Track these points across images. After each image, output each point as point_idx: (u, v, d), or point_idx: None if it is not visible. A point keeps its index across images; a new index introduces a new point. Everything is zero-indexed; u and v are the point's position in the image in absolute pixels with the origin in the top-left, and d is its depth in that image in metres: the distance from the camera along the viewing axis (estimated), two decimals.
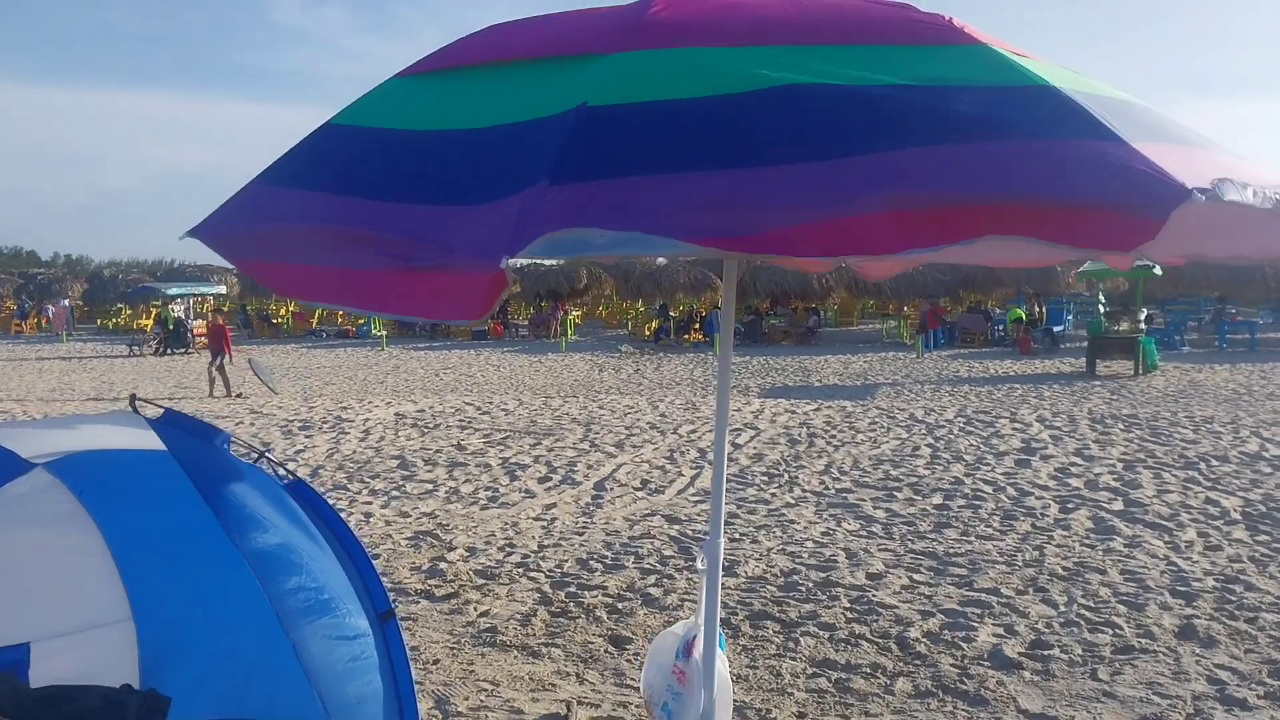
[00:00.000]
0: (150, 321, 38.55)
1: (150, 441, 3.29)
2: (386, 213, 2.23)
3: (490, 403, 16.80)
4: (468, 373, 24.14)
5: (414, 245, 2.11)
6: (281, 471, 3.61)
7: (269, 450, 3.71)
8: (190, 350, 32.70)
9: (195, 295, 38.20)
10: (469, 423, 14.26)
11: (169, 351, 32.45)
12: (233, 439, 3.56)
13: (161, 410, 3.57)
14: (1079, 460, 11.04)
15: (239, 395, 19.05)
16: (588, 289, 43.32)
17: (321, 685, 3.05)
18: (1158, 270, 24.57)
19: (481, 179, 2.15)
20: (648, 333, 35.02)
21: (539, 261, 45.81)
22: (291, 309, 45.44)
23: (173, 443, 3.27)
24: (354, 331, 40.24)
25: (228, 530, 3.12)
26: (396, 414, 15.25)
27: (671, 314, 36.37)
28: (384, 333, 37.95)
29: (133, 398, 3.70)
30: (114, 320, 44.62)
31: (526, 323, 39.55)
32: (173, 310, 35.43)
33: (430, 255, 2.08)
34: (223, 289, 43.13)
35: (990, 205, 1.96)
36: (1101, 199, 1.93)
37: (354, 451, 11.96)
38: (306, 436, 13.08)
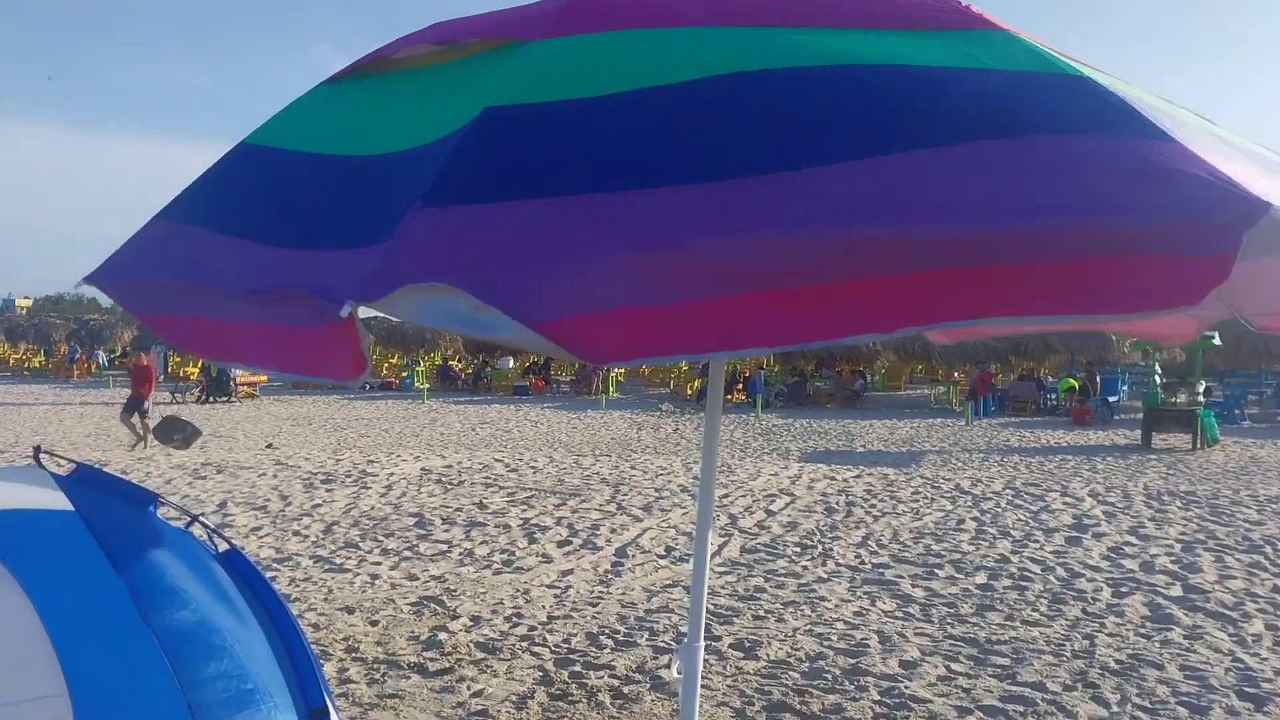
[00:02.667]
0: (195, 369, 38.76)
1: (56, 500, 2.89)
2: (268, 259, 1.83)
3: (520, 459, 16.37)
4: (504, 428, 23.79)
5: (281, 297, 1.71)
6: (216, 539, 3.18)
7: (203, 515, 3.27)
8: (232, 399, 32.71)
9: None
10: (495, 480, 13.83)
11: (211, 399, 32.49)
12: (161, 500, 3.14)
13: (74, 465, 3.17)
14: (1134, 539, 10.37)
15: (142, 445, 18.23)
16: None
17: None
18: (1217, 340, 23.77)
19: (366, 217, 1.75)
20: (690, 392, 34.54)
21: None
22: None
23: (82, 503, 2.87)
24: (397, 384, 40.22)
25: (138, 604, 2.70)
26: (423, 469, 14.87)
27: None
28: (426, 385, 37.84)
29: (36, 449, 3.30)
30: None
31: (568, 379, 39.27)
32: None
33: (291, 309, 1.68)
34: None
35: (993, 261, 1.48)
36: (1151, 219, 1.45)
37: (372, 507, 11.57)
38: (327, 490, 12.72)
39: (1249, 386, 31.82)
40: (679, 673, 2.90)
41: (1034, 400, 30.90)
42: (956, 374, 37.55)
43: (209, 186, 2.28)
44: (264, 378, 38.43)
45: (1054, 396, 30.70)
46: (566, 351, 1.57)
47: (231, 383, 33.42)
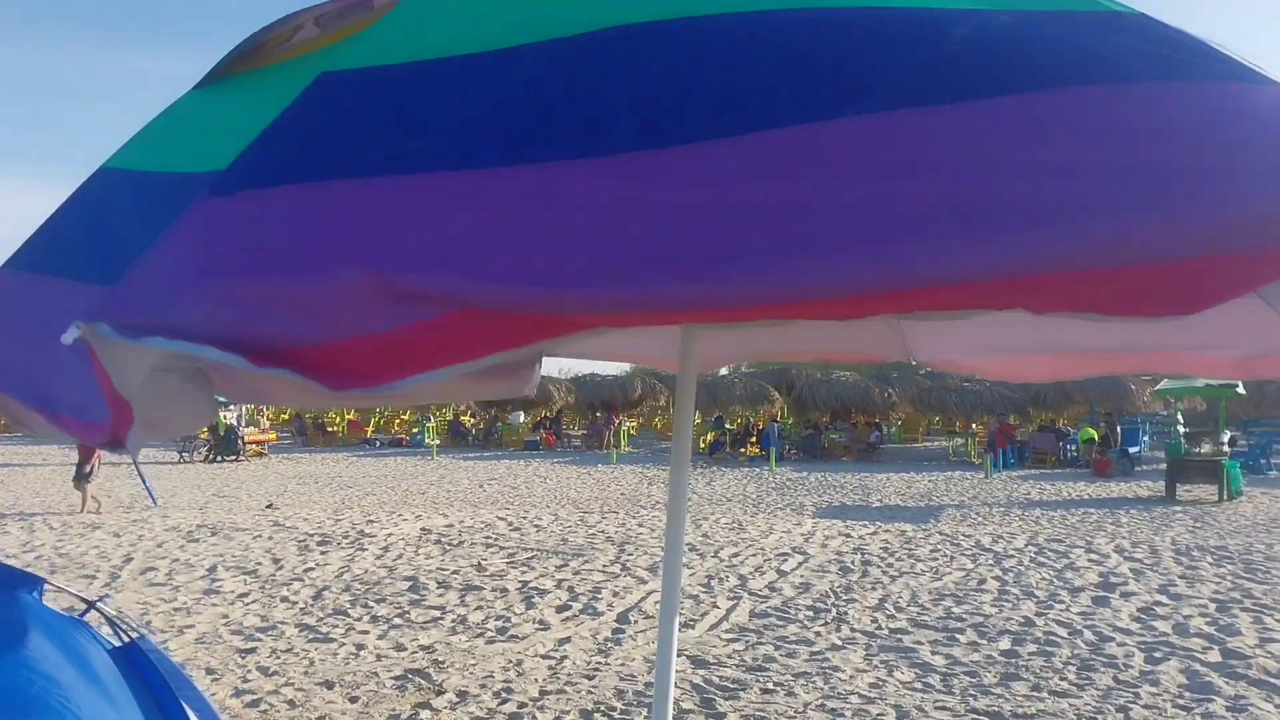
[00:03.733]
0: (204, 429, 38.47)
1: None
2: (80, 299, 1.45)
3: (524, 518, 15.89)
4: (512, 484, 23.31)
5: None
6: (119, 630, 2.74)
7: (104, 599, 2.83)
8: (240, 458, 32.34)
9: (248, 403, 37.99)
10: (495, 540, 13.35)
11: (219, 458, 32.11)
12: (49, 585, 2.72)
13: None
14: (1165, 599, 9.81)
15: (94, 506, 17.28)
16: (642, 399, 42.56)
17: None
18: (1240, 389, 23.21)
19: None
20: (702, 445, 34.01)
21: (595, 372, 45.46)
22: (348, 417, 45.28)
23: None
24: (407, 440, 39.83)
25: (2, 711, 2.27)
26: (422, 529, 14.40)
27: (728, 426, 35.39)
28: (436, 441, 37.45)
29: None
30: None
31: (579, 433, 38.82)
32: (224, 417, 35.23)
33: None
34: None
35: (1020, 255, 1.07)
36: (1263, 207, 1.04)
37: (366, 570, 11.11)
38: (322, 553, 12.27)
39: (1274, 436, 31.08)
40: None
41: (1054, 452, 30.23)
42: (975, 425, 36.92)
43: (57, 222, 1.91)
44: (273, 435, 38.13)
45: (1074, 448, 30.03)
46: (315, 381, 1.18)
47: (240, 441, 33.06)
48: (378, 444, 39.82)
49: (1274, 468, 27.16)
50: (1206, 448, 22.03)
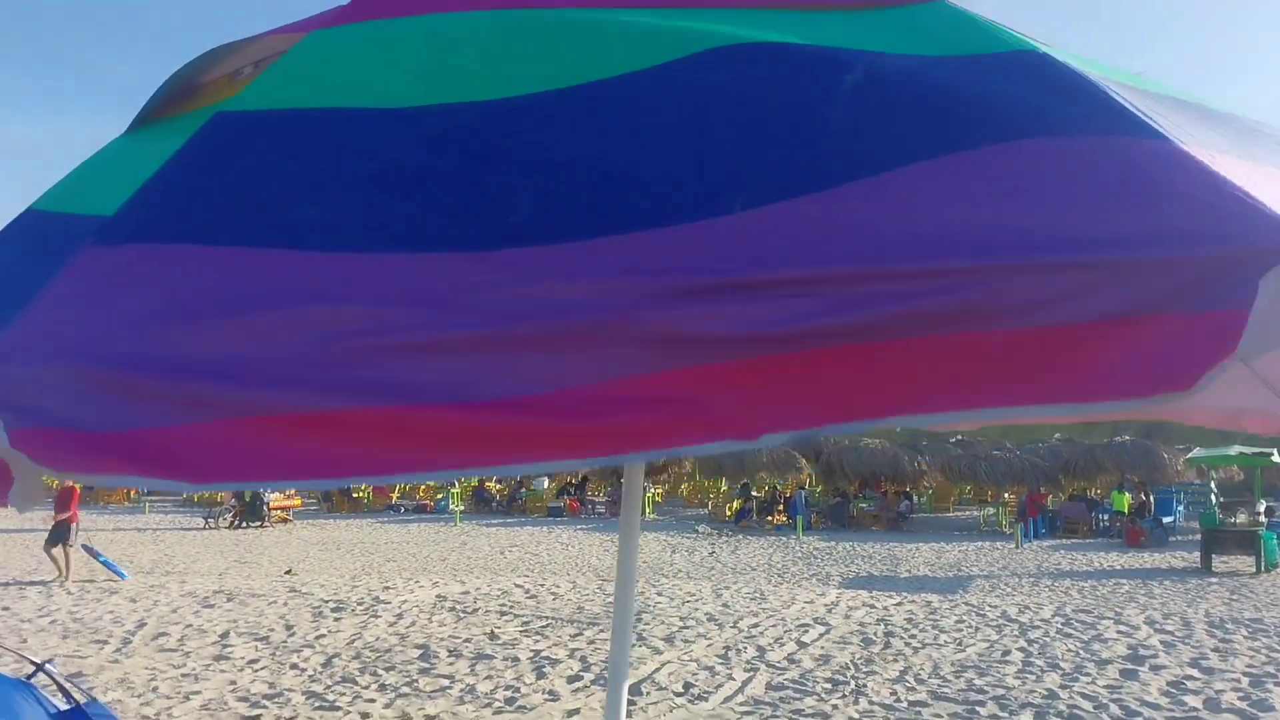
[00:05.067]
0: (229, 495, 38.58)
1: None
2: None
3: (541, 585, 15.71)
4: (534, 551, 23.12)
5: None
6: (67, 693, 2.66)
7: (50, 662, 2.75)
8: (265, 524, 32.33)
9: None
10: (511, 607, 13.18)
11: (244, 525, 32.11)
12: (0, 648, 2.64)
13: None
14: (1196, 673, 9.50)
15: (62, 577, 16.32)
16: (667, 466, 42.29)
17: None
18: (1276, 457, 22.78)
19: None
20: (729, 513, 33.67)
21: None
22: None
23: None
24: (431, 506, 39.70)
25: None
26: (438, 595, 14.26)
27: (754, 494, 35.05)
28: (460, 508, 37.33)
29: None
30: (196, 494, 44.86)
31: (604, 499, 38.58)
32: None
33: None
34: None
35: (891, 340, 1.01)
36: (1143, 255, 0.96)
37: (378, 638, 10.97)
38: (335, 619, 12.14)
39: None
40: None
41: (1086, 521, 29.69)
42: (1006, 495, 36.40)
43: None
44: (299, 502, 38.15)
45: (1106, 517, 29.50)
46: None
47: (265, 507, 33.08)
48: (402, 510, 39.70)
49: None
50: (1242, 518, 21.62)
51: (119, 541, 26.03)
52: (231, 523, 32.40)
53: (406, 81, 1.38)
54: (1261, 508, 22.36)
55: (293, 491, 39.48)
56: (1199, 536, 21.36)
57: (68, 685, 2.68)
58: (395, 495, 42.58)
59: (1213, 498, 23.32)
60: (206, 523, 32.40)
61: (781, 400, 1.07)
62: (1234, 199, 1.00)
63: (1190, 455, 25.69)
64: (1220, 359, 0.93)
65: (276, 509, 33.89)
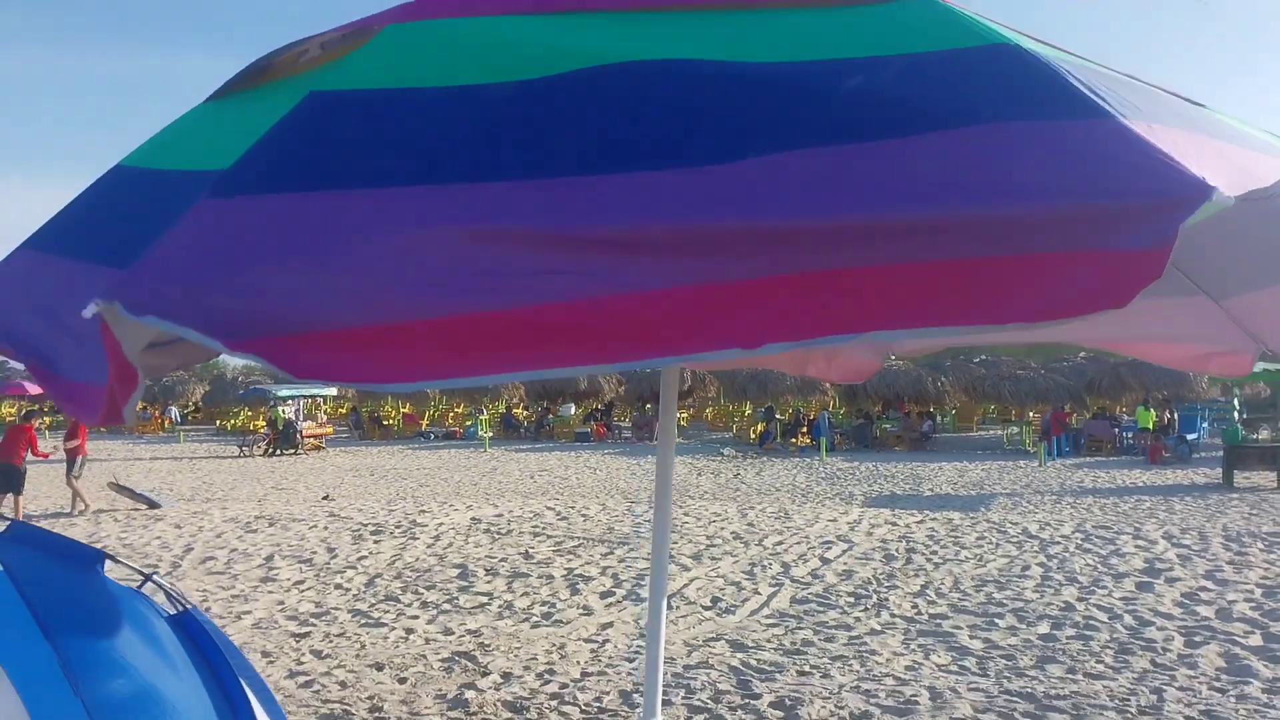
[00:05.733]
0: (262, 422, 39.27)
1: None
2: (95, 280, 1.64)
3: (572, 507, 16.13)
4: (563, 475, 23.59)
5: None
6: (170, 600, 2.96)
7: (156, 574, 3.05)
8: (299, 451, 32.97)
9: (306, 397, 38.71)
10: (543, 529, 13.60)
11: (278, 452, 32.76)
12: (110, 557, 2.94)
13: (8, 523, 2.98)
14: (1210, 585, 9.78)
15: (82, 505, 16.64)
16: (692, 391, 42.69)
17: None
18: None
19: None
20: (753, 436, 34.07)
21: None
22: (404, 410, 45.92)
23: (14, 563, 2.67)
24: (461, 433, 40.32)
25: (67, 673, 2.49)
26: (472, 518, 14.69)
27: (778, 417, 35.39)
28: (489, 434, 37.88)
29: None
30: (232, 422, 45.66)
31: (630, 425, 39.05)
32: (282, 412, 35.93)
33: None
34: (334, 391, 43.74)
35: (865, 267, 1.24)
36: (1072, 206, 1.20)
37: (418, 559, 11.39)
38: (375, 542, 12.58)
39: None
40: None
41: (1110, 439, 29.90)
42: (1030, 414, 36.58)
43: (73, 211, 2.13)
44: (330, 429, 38.82)
45: (1130, 435, 29.67)
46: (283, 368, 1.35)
47: (298, 435, 33.70)
48: (432, 436, 40.35)
49: None
50: (1265, 434, 21.75)
51: (157, 470, 26.70)
52: (266, 450, 33.05)
53: (468, 67, 1.61)
54: None
55: (324, 419, 40.17)
56: (1222, 453, 21.52)
57: (174, 594, 2.98)
58: (425, 423, 43.26)
59: (1235, 414, 23.38)
60: (241, 450, 33.05)
61: (781, 315, 1.30)
62: (1162, 162, 1.22)
63: None
64: (1148, 282, 1.15)
65: (309, 436, 34.51)
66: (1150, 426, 28.43)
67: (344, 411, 47.60)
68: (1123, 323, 2.64)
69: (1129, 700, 6.31)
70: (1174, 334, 2.59)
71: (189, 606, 2.96)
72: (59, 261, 1.91)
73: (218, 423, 48.02)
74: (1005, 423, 37.87)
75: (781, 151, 1.35)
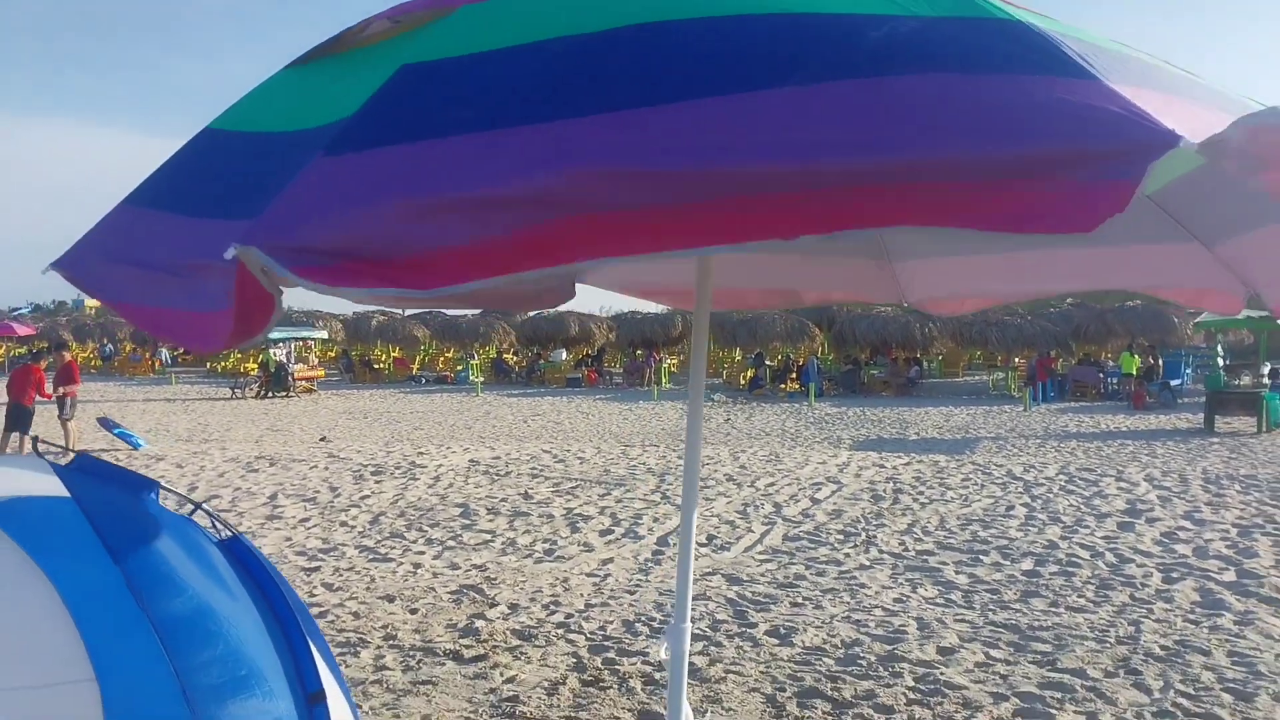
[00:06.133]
0: (254, 365, 39.42)
1: (54, 489, 2.93)
2: (200, 233, 1.85)
3: (568, 451, 16.42)
4: (555, 419, 23.87)
5: (199, 268, 1.74)
6: (219, 527, 3.20)
7: (205, 504, 3.30)
8: (291, 394, 33.18)
9: (297, 339, 38.85)
10: (541, 471, 13.88)
11: (270, 394, 32.98)
12: (162, 487, 3.17)
13: (72, 455, 3.20)
14: (1188, 524, 10.12)
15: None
16: (683, 337, 42.90)
17: None
18: None
19: (281, 181, 1.76)
20: (743, 382, 34.40)
21: (635, 310, 45.87)
22: (394, 355, 46.10)
23: (80, 492, 2.90)
24: (452, 378, 40.53)
25: (133, 592, 2.73)
26: (470, 460, 14.97)
27: (768, 362, 35.70)
28: (480, 379, 38.12)
29: (34, 440, 3.36)
30: (222, 364, 45.79)
31: (621, 370, 39.33)
32: (274, 354, 36.09)
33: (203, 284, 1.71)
34: (325, 334, 43.87)
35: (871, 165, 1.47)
36: (1050, 144, 1.43)
37: (419, 498, 11.67)
38: (376, 482, 12.85)
39: None
40: (666, 653, 2.86)
41: (1094, 385, 30.31)
42: (1016, 359, 36.97)
43: (169, 170, 2.32)
44: (321, 372, 39.01)
45: (1114, 381, 30.09)
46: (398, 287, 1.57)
47: (290, 378, 33.91)
48: (423, 380, 40.57)
49: None
50: (1246, 380, 22.10)
51: (151, 411, 26.93)
52: (258, 392, 33.27)
53: (538, 25, 1.84)
54: (1266, 370, 22.84)
55: (315, 362, 40.32)
56: (1204, 399, 21.91)
57: (221, 522, 3.22)
58: (416, 367, 43.47)
59: (1219, 360, 23.73)
60: (234, 392, 33.28)
61: (808, 215, 1.54)
62: (1138, 114, 1.45)
63: (1198, 319, 26.02)
64: (1114, 212, 1.38)
65: (301, 379, 34.73)
66: (1134, 372, 28.84)
67: (333, 355, 47.77)
68: (1126, 267, 2.89)
69: (1108, 631, 6.63)
70: (1172, 279, 2.84)
71: (236, 533, 3.19)
72: (164, 216, 2.10)
73: (208, 365, 48.13)
74: (991, 368, 38.23)
75: (818, 83, 1.58)
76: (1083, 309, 37.85)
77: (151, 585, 2.77)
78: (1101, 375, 30.81)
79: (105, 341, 54.50)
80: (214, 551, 3.03)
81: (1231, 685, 5.62)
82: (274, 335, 36.44)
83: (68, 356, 17.68)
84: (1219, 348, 25.07)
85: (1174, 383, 28.31)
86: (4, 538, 3.04)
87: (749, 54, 1.67)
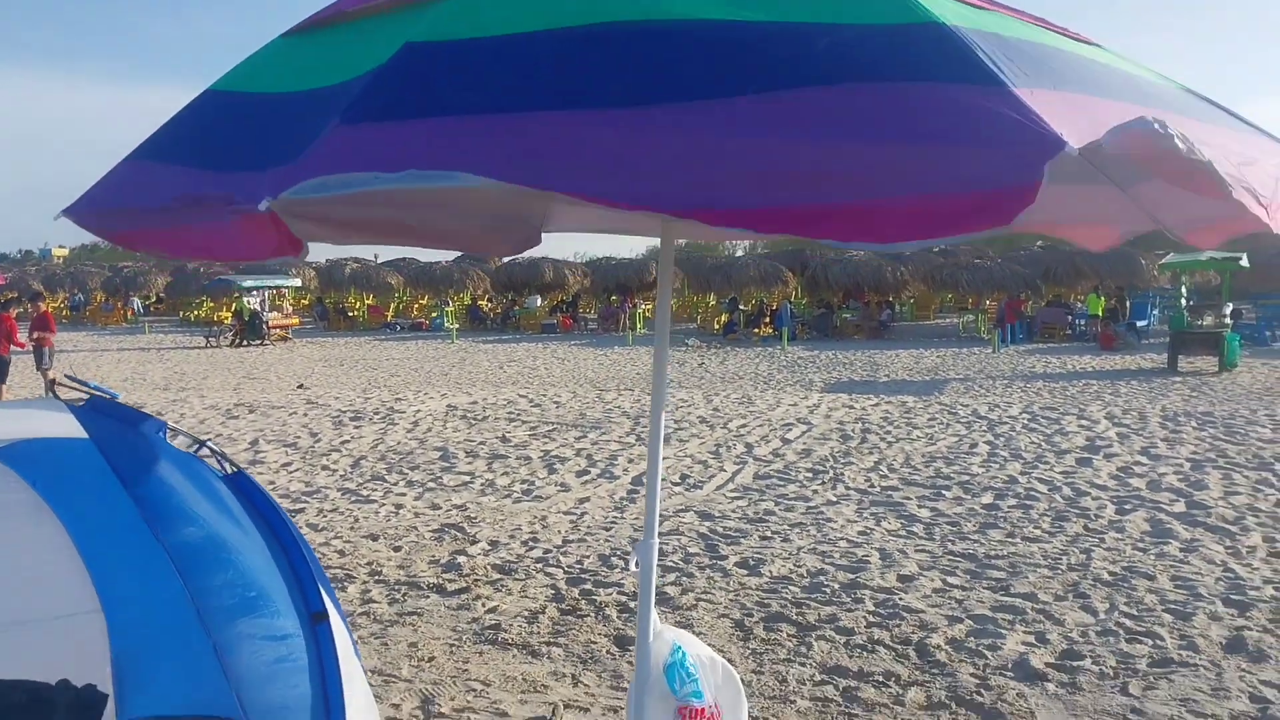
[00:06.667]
0: (228, 314, 39.35)
1: (72, 429, 3.16)
2: (208, 180, 2.09)
3: (544, 395, 16.68)
4: (531, 365, 24.10)
5: (218, 199, 1.98)
6: (224, 463, 3.43)
7: (209, 442, 3.55)
8: (265, 342, 33.22)
9: (271, 288, 38.77)
10: (518, 415, 14.15)
11: (244, 343, 33.01)
12: (170, 427, 3.40)
13: (88, 396, 3.42)
14: (1144, 459, 10.52)
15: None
16: (657, 282, 43.07)
17: (243, 687, 2.88)
18: (1244, 262, 23.59)
19: (300, 138, 1.97)
20: (717, 326, 34.68)
21: (610, 255, 45.94)
22: (369, 302, 46.06)
23: (96, 430, 3.13)
24: (427, 324, 40.60)
25: (148, 522, 2.97)
26: (448, 406, 15.21)
27: (741, 307, 35.98)
28: (455, 325, 38.22)
29: (51, 383, 3.57)
30: (195, 313, 45.66)
31: (595, 316, 39.53)
32: (248, 303, 36.05)
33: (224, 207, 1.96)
34: (299, 282, 43.72)
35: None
36: (954, 154, 1.67)
37: (399, 442, 11.92)
38: (356, 427, 13.08)
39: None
40: (636, 566, 3.12)
41: (1063, 326, 30.79)
42: (987, 302, 37.41)
43: (173, 127, 2.52)
44: (296, 320, 39.01)
45: (1082, 322, 30.57)
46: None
47: (264, 326, 33.92)
48: (398, 328, 40.62)
49: (1278, 340, 27.62)
50: (1209, 320, 22.57)
51: (126, 361, 26.92)
52: (233, 341, 33.28)
53: (536, 16, 2.04)
54: (1228, 310, 23.28)
55: (290, 310, 40.29)
56: (1168, 339, 22.34)
57: (225, 458, 3.45)
58: (390, 314, 43.49)
59: (1182, 301, 24.19)
60: (208, 341, 33.26)
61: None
62: (1033, 119, 1.67)
63: (1163, 261, 26.42)
64: (1025, 208, 1.61)
65: (275, 327, 34.74)
66: (1100, 313, 29.28)
67: (307, 303, 47.68)
68: (1052, 206, 3.15)
69: (1060, 559, 6.99)
70: (1079, 215, 3.08)
71: (239, 468, 3.43)
72: (170, 168, 2.31)
73: (181, 314, 47.99)
74: (962, 311, 38.68)
75: (772, 91, 1.80)
76: (1052, 251, 38.27)
77: (165, 516, 3.01)
78: (1069, 317, 31.28)
79: (75, 292, 54.08)
80: (220, 485, 3.27)
81: (1173, 606, 5.99)
82: (247, 284, 36.40)
83: (43, 306, 17.73)
84: (1183, 289, 25.51)
85: (1140, 323, 28.82)
86: (15, 477, 3.28)
87: (713, 59, 1.87)
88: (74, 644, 3.28)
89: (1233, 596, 6.14)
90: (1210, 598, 6.13)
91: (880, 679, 5.00)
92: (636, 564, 3.02)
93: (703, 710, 3.10)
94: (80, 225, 2.52)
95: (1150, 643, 5.41)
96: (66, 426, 3.19)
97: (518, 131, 1.81)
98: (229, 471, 3.38)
